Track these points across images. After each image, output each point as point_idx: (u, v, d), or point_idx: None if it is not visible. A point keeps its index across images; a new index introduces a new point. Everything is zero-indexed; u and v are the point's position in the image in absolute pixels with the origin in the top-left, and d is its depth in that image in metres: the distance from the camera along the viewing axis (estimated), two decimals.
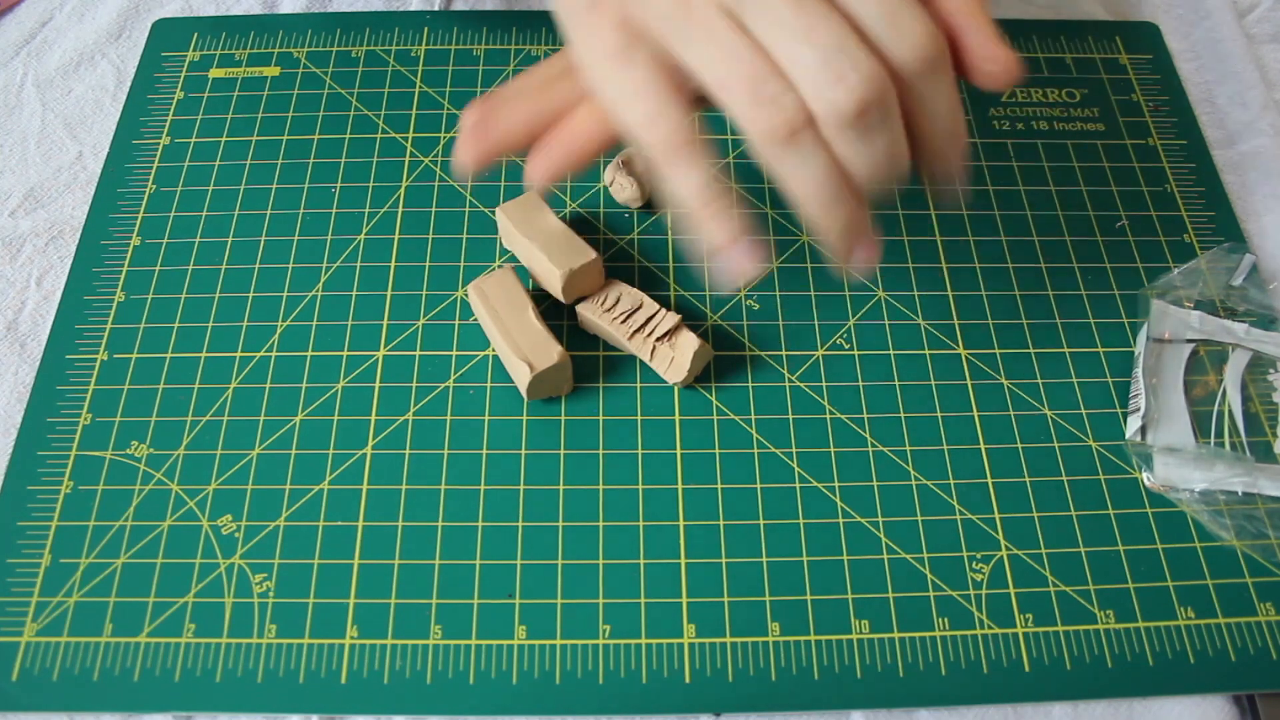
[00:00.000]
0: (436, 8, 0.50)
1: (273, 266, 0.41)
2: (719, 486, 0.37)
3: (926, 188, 0.28)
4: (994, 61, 0.27)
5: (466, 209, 0.43)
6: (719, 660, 0.33)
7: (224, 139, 0.45)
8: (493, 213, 0.43)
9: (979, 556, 0.35)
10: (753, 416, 0.38)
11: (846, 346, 0.40)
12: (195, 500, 0.36)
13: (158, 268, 0.41)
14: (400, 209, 0.43)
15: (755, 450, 0.37)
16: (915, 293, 0.41)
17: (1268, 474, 0.37)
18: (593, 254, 0.38)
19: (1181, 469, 0.37)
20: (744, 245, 0.28)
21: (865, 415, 0.38)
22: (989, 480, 0.37)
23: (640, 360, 0.39)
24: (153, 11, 0.50)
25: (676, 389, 0.39)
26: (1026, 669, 0.34)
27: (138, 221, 0.43)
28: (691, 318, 0.40)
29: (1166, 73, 0.49)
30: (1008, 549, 0.36)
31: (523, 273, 0.41)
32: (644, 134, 0.28)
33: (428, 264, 0.42)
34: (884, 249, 0.42)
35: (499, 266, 0.41)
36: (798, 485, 0.37)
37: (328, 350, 0.39)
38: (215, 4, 0.51)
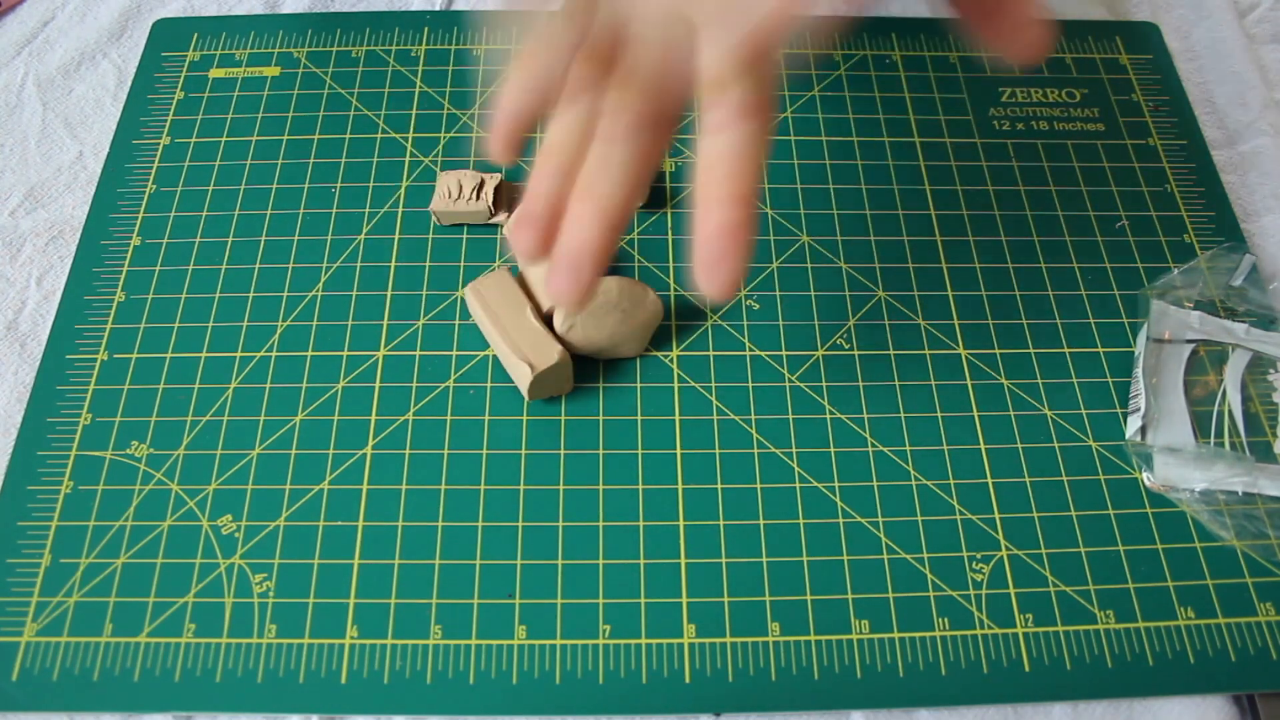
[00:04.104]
0: (437, 8, 0.50)
1: (273, 266, 0.41)
2: (719, 486, 0.37)
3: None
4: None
5: None
6: (719, 660, 0.33)
7: (224, 139, 0.45)
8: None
9: (979, 556, 0.35)
10: (752, 416, 0.38)
11: (846, 346, 0.40)
12: (195, 500, 0.36)
13: (158, 268, 0.41)
14: (400, 209, 0.43)
15: (755, 450, 0.37)
16: (915, 293, 0.41)
17: (1268, 474, 0.37)
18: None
19: (1181, 469, 0.37)
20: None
21: (865, 415, 0.38)
22: (989, 480, 0.37)
23: (640, 360, 0.39)
24: (154, 11, 0.50)
25: (676, 389, 0.39)
26: (1026, 669, 0.34)
27: (138, 221, 0.43)
28: (691, 317, 0.40)
29: (1166, 73, 0.49)
30: (1008, 549, 0.36)
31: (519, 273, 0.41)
32: None
33: (428, 264, 0.42)
34: (882, 249, 0.42)
35: (496, 267, 0.41)
36: (798, 485, 0.37)
37: (328, 350, 0.39)
38: (217, 4, 0.51)
